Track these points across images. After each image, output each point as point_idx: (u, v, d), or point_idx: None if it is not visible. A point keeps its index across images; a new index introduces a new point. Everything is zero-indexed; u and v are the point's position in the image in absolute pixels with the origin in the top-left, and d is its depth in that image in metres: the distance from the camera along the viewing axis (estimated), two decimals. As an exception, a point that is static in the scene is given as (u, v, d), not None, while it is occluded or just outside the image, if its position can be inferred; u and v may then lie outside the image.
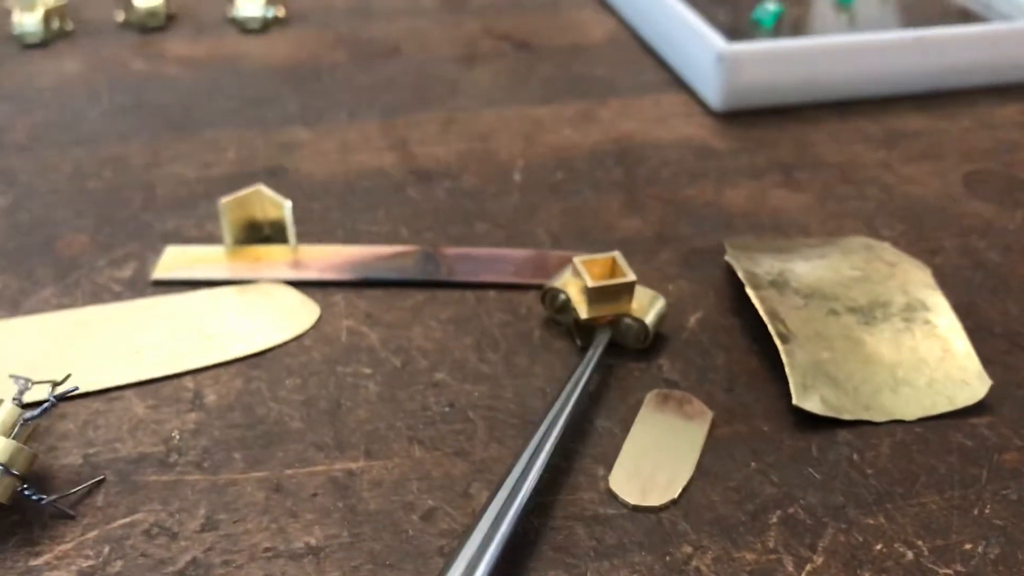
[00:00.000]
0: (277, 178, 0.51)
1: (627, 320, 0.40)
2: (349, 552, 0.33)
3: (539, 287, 0.44)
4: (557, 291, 0.41)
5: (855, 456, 0.36)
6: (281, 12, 0.69)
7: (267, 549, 0.33)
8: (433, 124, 0.56)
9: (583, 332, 0.41)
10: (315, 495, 0.35)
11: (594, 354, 0.38)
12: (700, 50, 0.58)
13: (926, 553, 0.33)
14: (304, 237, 0.47)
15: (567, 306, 0.41)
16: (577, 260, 0.40)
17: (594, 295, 0.39)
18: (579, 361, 0.39)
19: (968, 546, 0.33)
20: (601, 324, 0.40)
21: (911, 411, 0.38)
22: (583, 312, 0.40)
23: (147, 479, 0.35)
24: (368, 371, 0.40)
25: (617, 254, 0.40)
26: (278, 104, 0.58)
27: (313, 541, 0.33)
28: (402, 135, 0.55)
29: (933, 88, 0.60)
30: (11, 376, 0.36)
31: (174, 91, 0.60)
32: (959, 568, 0.33)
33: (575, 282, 0.40)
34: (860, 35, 0.59)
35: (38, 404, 0.34)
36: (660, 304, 0.41)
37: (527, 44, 0.67)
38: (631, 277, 0.40)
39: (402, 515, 0.34)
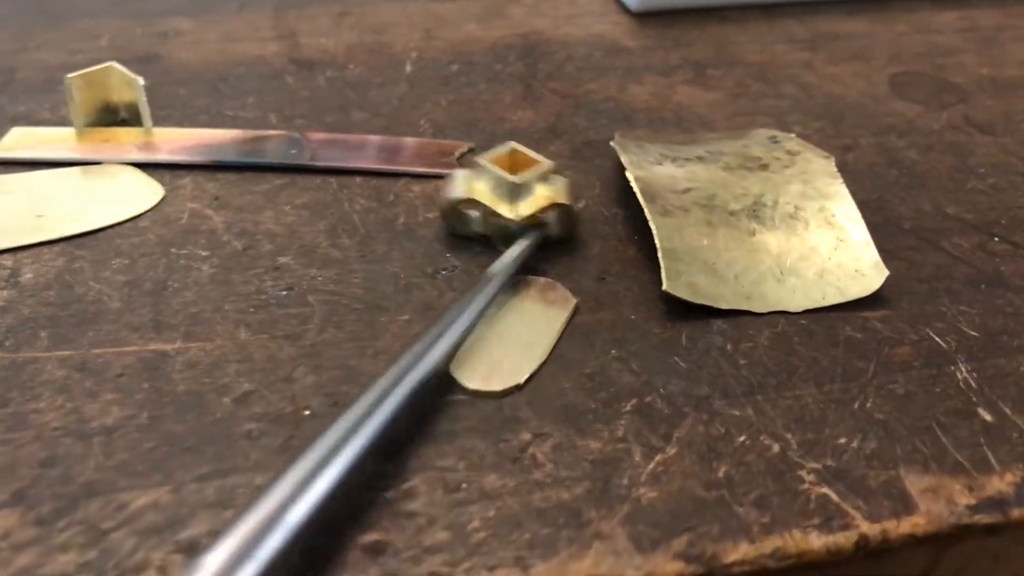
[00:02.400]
0: (148, 65, 0.47)
1: (553, 210, 0.36)
2: (145, 433, 0.29)
3: (413, 175, 0.40)
4: (464, 203, 0.36)
5: (728, 346, 0.33)
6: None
7: (56, 428, 0.29)
8: (327, 16, 0.52)
9: (505, 236, 0.37)
10: (120, 375, 0.31)
11: (521, 254, 0.35)
12: (619, -54, 0.54)
13: (794, 447, 0.30)
14: (164, 121, 0.43)
15: (479, 217, 0.36)
16: (482, 159, 0.36)
17: (519, 191, 0.35)
18: (446, 248, 0.35)
19: (842, 440, 0.30)
20: (534, 221, 0.36)
21: (797, 302, 0.34)
22: (511, 212, 0.35)
23: (-66, 357, 0.31)
24: (204, 253, 0.36)
25: (513, 144, 0.37)
26: (165, -4, 0.54)
27: (109, 421, 0.29)
28: (292, 26, 0.51)
29: (869, -7, 0.56)
30: None
31: (57, -18, 0.56)
32: (828, 462, 0.29)
33: (483, 185, 0.36)
34: (792, -66, 0.55)
35: None
36: (565, 182, 0.37)
37: (446, -53, 0.63)
38: (547, 161, 0.36)
39: (213, 397, 0.30)
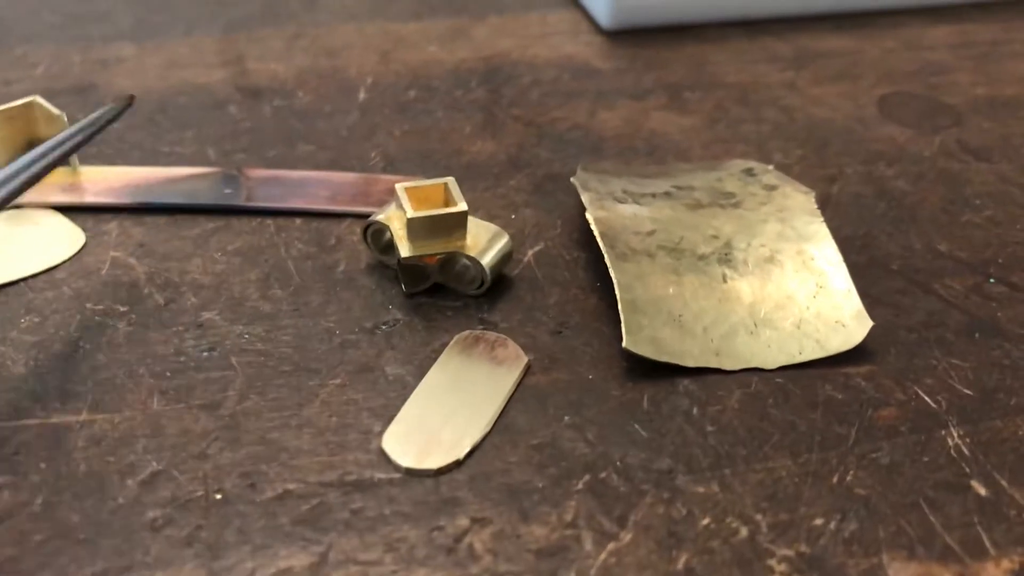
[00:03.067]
0: (83, 95, 0.44)
1: (462, 260, 0.33)
2: (36, 523, 0.26)
3: (356, 215, 0.37)
4: (381, 227, 0.34)
5: (695, 410, 0.30)
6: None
7: (-62, 518, 0.26)
8: (279, 39, 0.49)
9: (410, 275, 0.34)
10: (16, 454, 0.28)
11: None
12: (590, -40, 0.51)
13: (764, 530, 0.26)
14: (94, 159, 0.40)
15: (393, 245, 0.34)
16: (400, 187, 0.33)
17: (417, 228, 0.32)
18: (389, 300, 0.32)
19: (818, 521, 0.27)
20: (431, 264, 0.33)
21: (772, 358, 0.31)
22: (404, 249, 0.33)
23: None
24: (122, 309, 0.33)
25: (450, 180, 0.33)
26: (110, 20, 0.51)
27: (-2, 509, 0.26)
28: (241, 51, 0.48)
29: (856, 7, 0.53)
30: None
31: (-2, 6, 0.53)
32: (803, 548, 0.26)
33: (400, 215, 0.33)
34: (775, -55, 0.52)
35: None
36: (503, 242, 0.34)
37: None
38: (461, 206, 0.33)
39: (116, 479, 0.27)
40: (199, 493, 0.27)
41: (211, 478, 0.27)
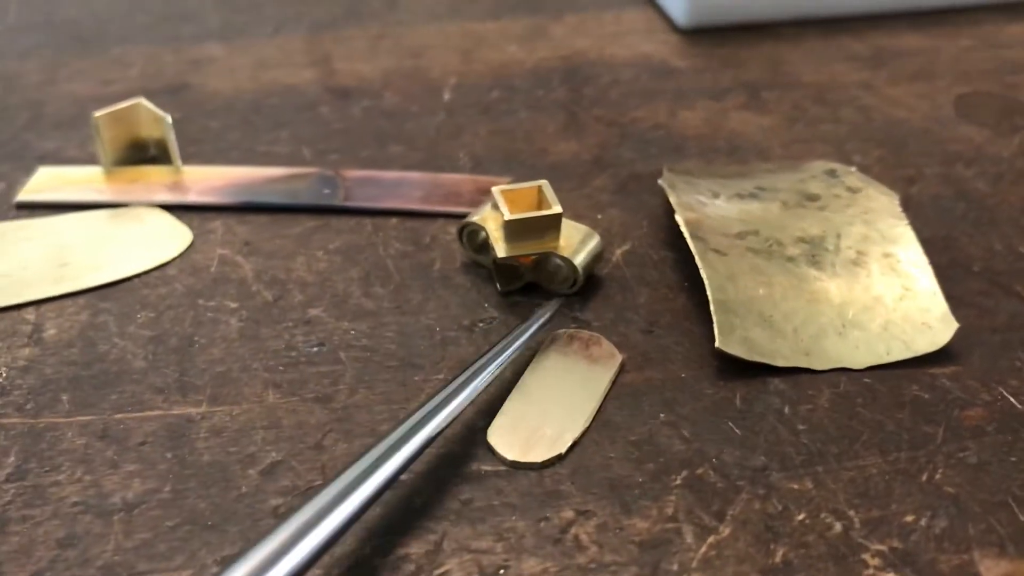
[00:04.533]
0: (178, 95, 0.46)
1: (555, 260, 0.35)
2: (167, 509, 0.28)
3: (449, 215, 0.38)
4: (476, 227, 0.35)
5: (786, 409, 0.31)
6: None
7: (75, 504, 0.28)
8: (363, 39, 0.51)
9: (504, 274, 0.35)
10: (143, 444, 0.30)
11: (532, 325, 0.32)
12: (667, -41, 0.51)
13: (857, 525, 0.27)
14: (195, 158, 0.42)
15: (487, 245, 0.35)
16: (496, 189, 0.34)
17: (513, 230, 0.34)
18: (484, 298, 0.33)
19: (909, 518, 0.28)
20: (525, 264, 0.35)
21: (860, 358, 0.32)
22: (500, 250, 0.34)
23: (-45, 422, 0.30)
24: (233, 305, 0.34)
25: (544, 183, 0.34)
26: (198, 19, 0.53)
27: (130, 496, 0.28)
28: (327, 51, 0.50)
29: (931, 5, 0.53)
30: None
31: (88, 5, 0.55)
32: (895, 544, 0.27)
33: (494, 216, 0.35)
34: (850, -57, 0.52)
35: None
36: (594, 242, 0.35)
37: (487, -41, 0.61)
38: (556, 209, 0.34)
39: (238, 469, 0.29)
40: (318, 482, 0.28)
41: (328, 468, 0.29)
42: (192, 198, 0.39)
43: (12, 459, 0.29)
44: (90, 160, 0.42)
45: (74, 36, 0.52)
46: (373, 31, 0.51)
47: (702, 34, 0.51)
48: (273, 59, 0.49)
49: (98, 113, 0.39)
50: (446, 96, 0.46)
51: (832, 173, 0.39)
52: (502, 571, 0.26)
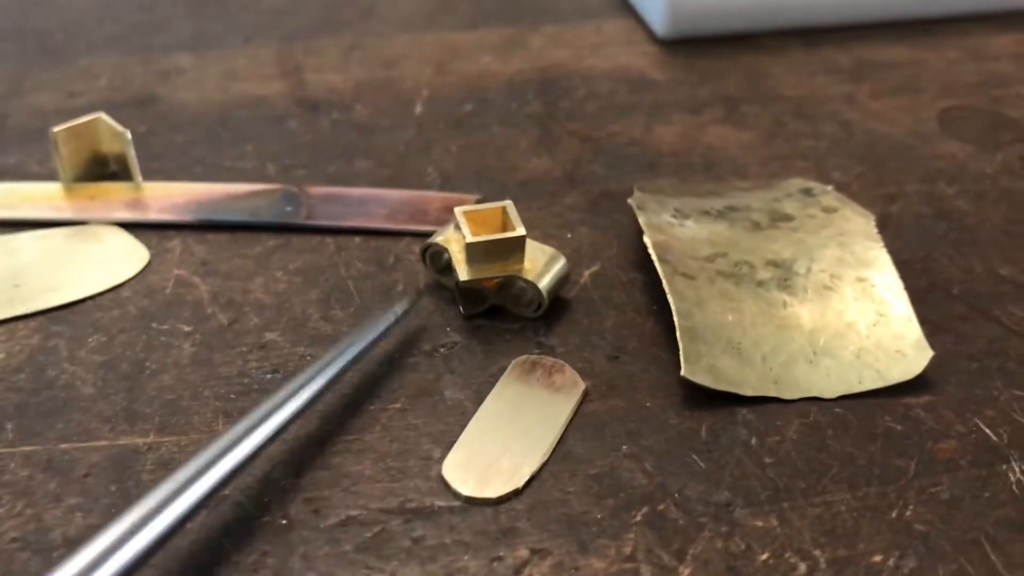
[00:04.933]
0: (144, 108, 0.45)
1: (519, 283, 0.34)
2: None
3: (414, 234, 0.37)
4: (439, 248, 0.34)
5: (753, 441, 0.30)
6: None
7: (14, 540, 0.27)
8: (336, 50, 0.50)
9: (468, 297, 0.34)
10: (87, 475, 0.29)
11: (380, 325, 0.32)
12: (647, -32, 0.50)
13: (823, 566, 0.26)
14: (157, 174, 0.41)
15: (451, 266, 0.34)
16: (459, 210, 0.33)
17: (476, 252, 0.33)
18: (447, 322, 0.32)
19: (877, 557, 0.27)
20: (489, 287, 0.34)
21: (831, 387, 0.31)
22: (463, 272, 0.33)
23: None
24: (187, 329, 0.33)
25: (508, 204, 0.33)
26: (170, 29, 0.52)
27: (71, 531, 0.27)
28: (298, 62, 0.49)
29: (918, 15, 0.52)
30: None
31: (58, 15, 0.54)
32: (861, 586, 0.26)
33: (458, 237, 0.34)
34: (834, -48, 0.51)
35: None
36: (559, 264, 0.34)
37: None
38: (519, 231, 0.33)
39: (183, 503, 0.28)
40: (265, 519, 0.27)
41: (276, 503, 0.28)
42: (151, 216, 0.38)
43: (-50, 492, 0.28)
44: (52, 176, 0.41)
45: (41, 46, 0.51)
46: (346, 41, 0.50)
47: (682, 45, 0.50)
48: (243, 70, 0.48)
49: (56, 128, 0.38)
50: (418, 109, 0.45)
51: (808, 192, 0.38)
52: (451, 614, 0.25)
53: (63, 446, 0.29)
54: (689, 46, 0.50)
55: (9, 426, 0.30)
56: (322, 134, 0.43)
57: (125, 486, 0.28)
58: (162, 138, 0.43)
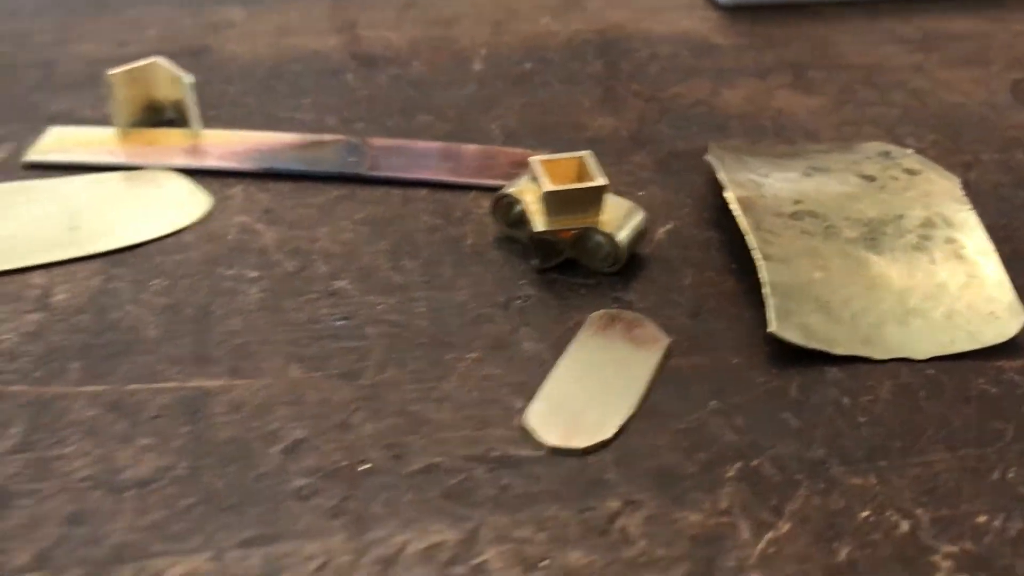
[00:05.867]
0: (197, 58, 0.44)
1: (596, 236, 0.33)
2: (182, 488, 0.26)
3: (480, 188, 0.36)
4: (512, 199, 0.33)
5: (845, 400, 0.29)
6: None
7: (84, 479, 0.26)
8: (390, 7, 0.49)
9: (541, 249, 0.33)
10: (157, 417, 0.28)
11: None
12: (707, -66, 0.49)
13: (926, 525, 0.25)
14: (214, 122, 0.40)
15: (523, 218, 0.33)
16: (535, 160, 0.32)
17: (554, 202, 0.31)
18: (520, 275, 0.31)
19: (982, 518, 0.26)
20: (564, 239, 0.33)
21: (922, 348, 0.30)
22: (539, 223, 0.32)
23: (-42, 388, 0.28)
24: (253, 275, 0.32)
25: (587, 154, 0.32)
26: (218, -18, 0.51)
27: (142, 472, 0.26)
28: (353, 17, 0.48)
29: (982, -12, 0.51)
30: None
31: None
32: (967, 546, 0.25)
33: (532, 188, 0.33)
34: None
35: None
36: (638, 218, 0.33)
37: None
38: (601, 181, 0.32)
39: (259, 447, 0.27)
40: (344, 463, 0.26)
41: (355, 448, 0.27)
42: (211, 163, 0.37)
43: (18, 429, 0.27)
44: (104, 122, 0.39)
45: (88, -4, 0.50)
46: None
47: (742, 12, 0.49)
48: (295, 24, 0.47)
49: (112, 71, 0.37)
50: (476, 67, 0.44)
51: (887, 155, 0.37)
52: (544, 562, 0.24)
53: (130, 387, 0.28)
54: (749, 13, 0.49)
55: (73, 366, 0.29)
56: (380, 89, 0.42)
57: (198, 427, 0.27)
58: (216, 89, 0.42)
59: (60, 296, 0.31)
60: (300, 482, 0.26)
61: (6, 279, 0.32)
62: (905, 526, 0.25)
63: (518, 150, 0.38)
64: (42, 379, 0.29)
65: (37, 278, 0.32)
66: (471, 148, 0.38)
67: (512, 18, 0.48)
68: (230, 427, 0.27)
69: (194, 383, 0.29)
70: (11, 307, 0.31)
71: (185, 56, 0.44)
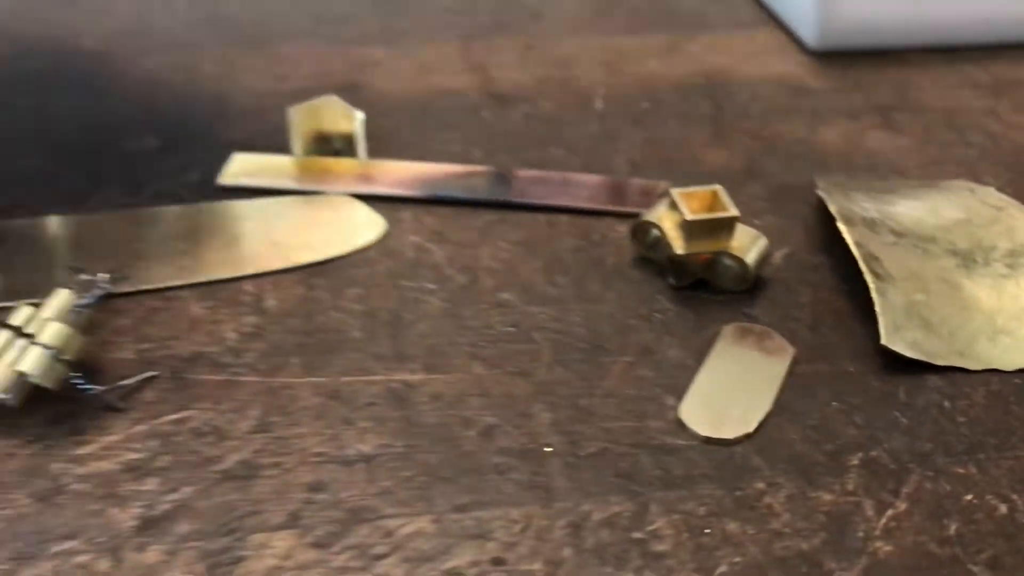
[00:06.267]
0: (351, 94, 0.49)
1: (726, 260, 0.38)
2: (403, 462, 0.31)
3: (614, 214, 0.42)
4: (650, 225, 0.39)
5: (946, 403, 0.34)
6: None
7: (318, 453, 0.31)
8: (513, 50, 0.54)
9: (677, 270, 0.38)
10: (371, 404, 0.33)
11: None
12: (798, -15, 0.55)
13: (1021, 508, 0.30)
14: (374, 153, 0.45)
15: (659, 242, 0.38)
16: (675, 191, 0.38)
17: (692, 230, 0.37)
18: (657, 291, 0.37)
19: (1069, 504, 0.31)
20: (698, 262, 0.38)
21: (1010, 361, 0.35)
22: (678, 247, 0.37)
23: (200, 378, 0.34)
24: (432, 287, 0.38)
25: (719, 188, 0.38)
26: (356, 23, 0.57)
27: (366, 449, 0.32)
28: (481, 59, 0.53)
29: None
30: (68, 266, 0.35)
31: (249, 4, 0.59)
32: (1058, 526, 0.30)
33: (670, 215, 0.38)
34: (973, -24, 0.55)
35: (93, 293, 0.34)
36: (762, 244, 0.38)
37: (615, -24, 0.65)
38: (734, 211, 0.37)
39: (459, 430, 0.32)
40: (531, 446, 0.32)
41: (537, 434, 0.32)
42: (381, 189, 0.43)
43: (256, 412, 0.33)
44: (277, 149, 0.45)
45: (240, 33, 0.56)
46: (521, 42, 0.55)
47: (831, 57, 0.54)
48: (432, 64, 0.53)
49: (294, 107, 0.43)
50: (598, 105, 0.50)
51: (972, 191, 0.42)
52: (707, 530, 0.29)
53: (345, 379, 0.34)
54: (838, 58, 0.54)
55: (294, 361, 0.35)
56: (515, 124, 0.48)
57: (406, 413, 0.33)
58: (372, 122, 0.47)
59: (271, 302, 0.37)
60: (497, 459, 0.31)
61: (223, 286, 0.38)
62: (1003, 508, 0.30)
63: (644, 181, 0.44)
64: (268, 371, 0.34)
65: (248, 286, 0.38)
66: (603, 179, 0.44)
67: (622, 60, 0.54)
68: (433, 414, 0.33)
69: (398, 376, 0.34)
70: (230, 310, 0.37)
71: (339, 91, 0.50)
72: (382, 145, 0.46)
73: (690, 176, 0.44)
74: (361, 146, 0.44)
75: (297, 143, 0.44)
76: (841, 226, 0.38)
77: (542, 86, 0.51)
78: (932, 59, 0.54)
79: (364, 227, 0.41)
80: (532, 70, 0.52)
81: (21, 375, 0.31)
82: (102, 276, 0.34)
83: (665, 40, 0.56)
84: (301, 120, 0.44)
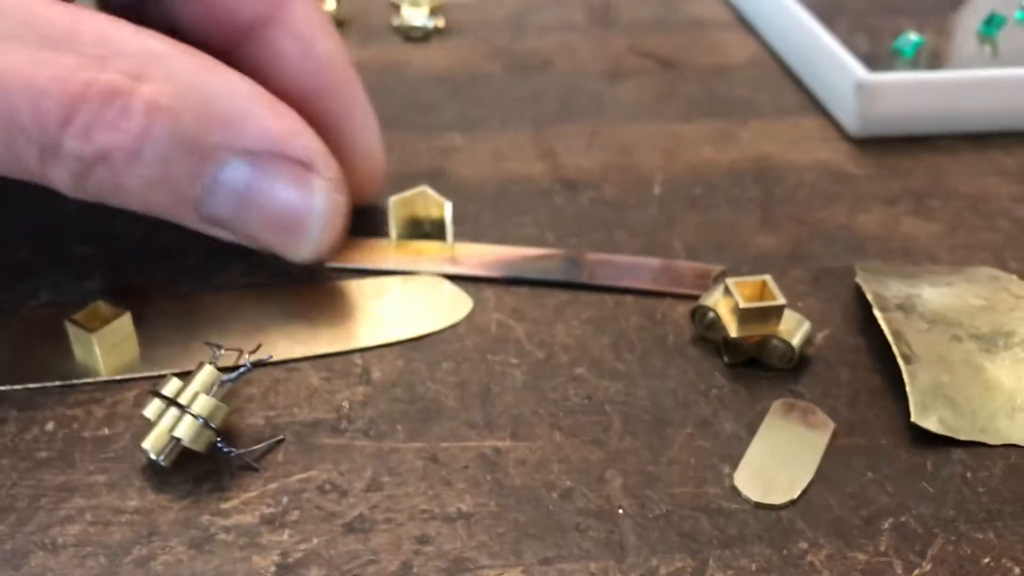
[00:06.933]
0: (436, 180, 0.55)
1: (774, 341, 0.43)
2: (496, 520, 0.37)
3: (674, 295, 0.47)
4: (707, 309, 0.44)
5: (968, 474, 0.39)
6: (442, 23, 0.74)
7: (424, 511, 0.37)
8: (579, 136, 0.60)
9: (731, 349, 0.43)
10: (466, 467, 0.39)
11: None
12: (840, 78, 0.60)
13: (1032, 570, 0.35)
14: (459, 236, 0.51)
15: (715, 324, 0.44)
16: (729, 281, 0.43)
17: (745, 315, 0.42)
18: (714, 368, 0.42)
19: (1074, 567, 0.35)
20: (750, 343, 0.43)
21: (1027, 437, 0.40)
22: (732, 331, 0.43)
23: (321, 441, 0.40)
24: (515, 361, 0.43)
25: (768, 278, 0.43)
26: (437, 111, 0.63)
27: (464, 507, 0.37)
28: (551, 145, 0.59)
29: (1075, 125, 0.61)
30: (206, 343, 0.41)
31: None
32: (1063, 587, 0.35)
33: (725, 301, 0.43)
34: (1001, 69, 0.60)
35: (234, 368, 0.39)
36: (806, 327, 0.43)
37: (671, 62, 0.70)
38: (781, 301, 0.42)
39: (543, 492, 0.38)
40: (606, 508, 0.37)
41: (611, 497, 0.37)
42: (468, 271, 0.48)
43: (369, 472, 0.38)
44: (376, 233, 0.51)
45: (335, 120, 0.62)
46: (587, 128, 0.61)
47: (870, 143, 0.59)
48: (506, 151, 0.58)
49: (393, 198, 0.49)
50: (656, 190, 0.55)
51: (996, 279, 0.47)
52: (758, 584, 0.34)
53: (443, 444, 0.40)
54: (876, 144, 0.59)
55: (399, 427, 0.40)
56: (582, 209, 0.54)
57: (497, 476, 0.38)
58: (456, 206, 0.53)
59: (377, 374, 0.43)
60: (577, 519, 0.37)
61: (336, 359, 0.44)
62: (1017, 570, 0.35)
63: (699, 264, 0.49)
64: (377, 436, 0.40)
65: (357, 359, 0.44)
66: (662, 262, 0.49)
67: (679, 146, 0.59)
68: (520, 476, 0.38)
69: (488, 443, 0.40)
70: (343, 381, 0.43)
71: (425, 177, 0.56)
72: (465, 228, 0.52)
73: (740, 260, 0.50)
74: (449, 231, 0.50)
75: (394, 228, 0.50)
76: (876, 312, 0.43)
77: (606, 171, 0.57)
78: (962, 146, 0.59)
79: (454, 305, 0.46)
80: (597, 156, 0.58)
81: (175, 440, 0.37)
82: (248, 356, 0.40)
83: (718, 127, 0.61)
84: (398, 208, 0.49)
